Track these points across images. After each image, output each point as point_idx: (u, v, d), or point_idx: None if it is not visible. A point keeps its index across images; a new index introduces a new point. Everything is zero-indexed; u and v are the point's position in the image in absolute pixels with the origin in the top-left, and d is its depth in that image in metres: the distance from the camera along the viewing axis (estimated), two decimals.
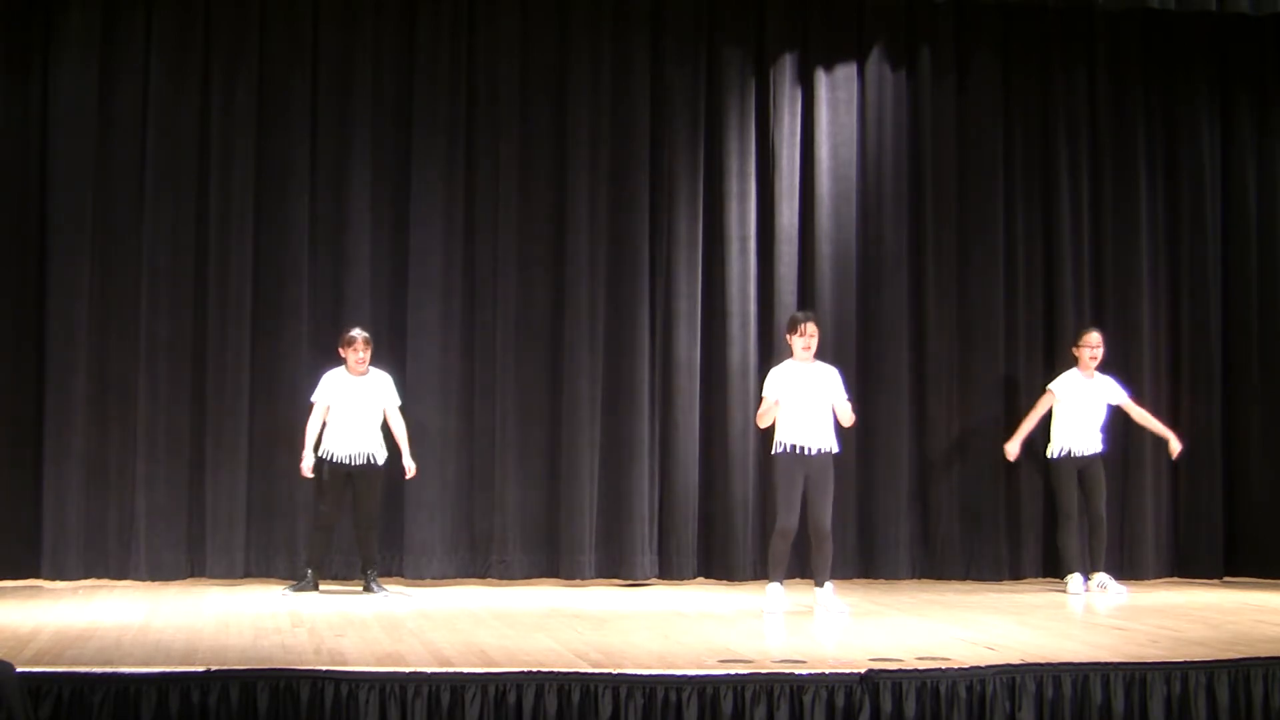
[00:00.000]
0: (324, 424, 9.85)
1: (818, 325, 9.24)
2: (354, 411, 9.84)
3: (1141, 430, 11.01)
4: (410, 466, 9.99)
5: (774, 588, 9.06)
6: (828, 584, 9.09)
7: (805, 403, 9.06)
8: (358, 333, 9.91)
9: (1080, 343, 10.65)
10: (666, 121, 11.08)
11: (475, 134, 10.91)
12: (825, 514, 9.03)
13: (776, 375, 9.23)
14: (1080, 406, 10.56)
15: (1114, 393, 10.67)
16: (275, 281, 10.67)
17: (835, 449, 9.12)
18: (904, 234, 11.29)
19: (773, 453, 9.16)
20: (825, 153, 11.20)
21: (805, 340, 9.12)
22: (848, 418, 9.17)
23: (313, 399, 9.90)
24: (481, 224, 10.89)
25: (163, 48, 10.57)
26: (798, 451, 9.03)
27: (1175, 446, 10.69)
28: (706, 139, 11.12)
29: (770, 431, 9.25)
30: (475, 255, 10.87)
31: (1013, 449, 10.70)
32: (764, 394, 9.27)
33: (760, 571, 9.76)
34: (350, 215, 10.74)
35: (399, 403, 10.04)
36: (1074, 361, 10.68)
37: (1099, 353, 10.61)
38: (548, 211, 10.96)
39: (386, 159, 10.82)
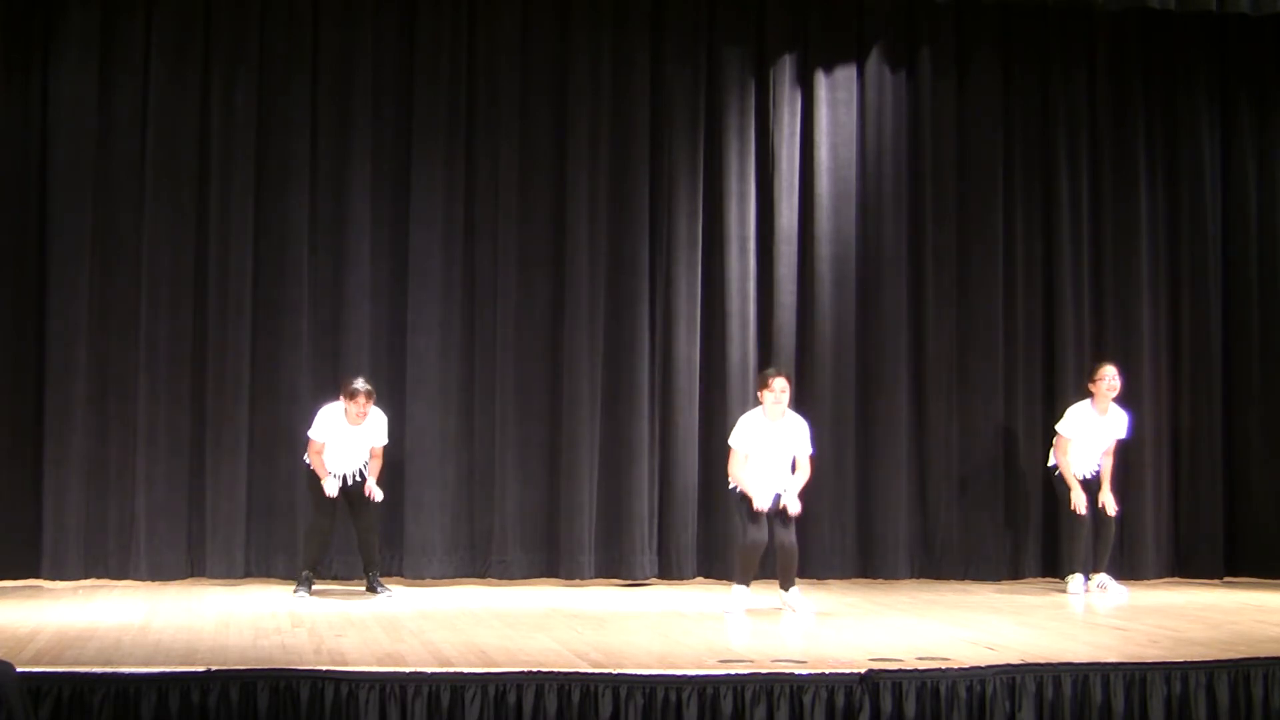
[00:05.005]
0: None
1: (788, 380, 9.26)
2: (347, 446, 9.79)
3: (1141, 431, 10.99)
4: (377, 493, 9.81)
5: (740, 589, 9.09)
6: (794, 587, 9.14)
7: (769, 459, 9.12)
8: (360, 384, 9.66)
9: (1096, 377, 10.42)
10: (666, 121, 11.08)
11: (475, 134, 10.91)
12: (790, 532, 9.09)
13: (747, 426, 9.22)
14: (1090, 440, 10.43)
15: (1120, 431, 10.48)
16: (275, 281, 10.66)
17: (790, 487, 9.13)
18: (904, 234, 11.29)
19: (730, 487, 9.22)
20: (825, 153, 11.20)
21: (775, 395, 9.14)
22: (803, 477, 9.17)
23: (310, 434, 9.73)
24: (481, 224, 10.89)
25: (163, 48, 10.57)
26: (754, 506, 9.03)
27: (1110, 508, 10.36)
28: (706, 139, 11.11)
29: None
30: (475, 255, 10.87)
31: (1079, 499, 10.22)
32: (732, 443, 9.27)
33: (759, 573, 9.74)
34: (350, 215, 10.74)
35: (385, 442, 9.94)
36: (1086, 395, 10.47)
37: (1116, 384, 10.37)
38: (548, 211, 10.96)
39: (386, 158, 10.82)
